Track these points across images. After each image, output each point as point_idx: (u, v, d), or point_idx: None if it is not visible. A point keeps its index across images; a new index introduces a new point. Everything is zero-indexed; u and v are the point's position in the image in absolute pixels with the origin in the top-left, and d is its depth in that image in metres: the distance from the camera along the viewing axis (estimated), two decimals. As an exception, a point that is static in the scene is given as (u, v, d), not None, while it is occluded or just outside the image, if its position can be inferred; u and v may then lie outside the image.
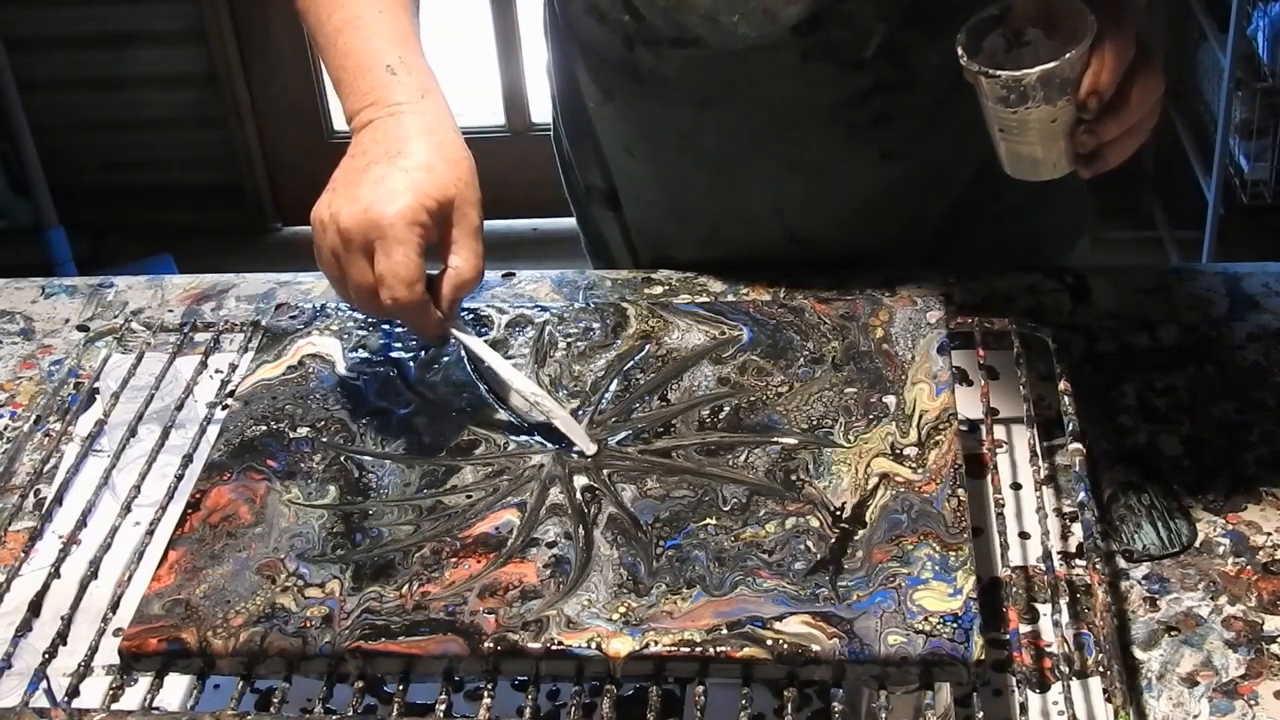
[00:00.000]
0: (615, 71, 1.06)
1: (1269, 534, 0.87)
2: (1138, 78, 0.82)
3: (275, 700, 0.71)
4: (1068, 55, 0.80)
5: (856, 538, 0.74)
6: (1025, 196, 0.98)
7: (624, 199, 1.17)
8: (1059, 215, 1.19)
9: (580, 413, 0.85)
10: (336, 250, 0.81)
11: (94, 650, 0.74)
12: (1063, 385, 0.87)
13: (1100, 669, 0.77)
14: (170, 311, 1.17)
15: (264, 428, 0.85)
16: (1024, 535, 0.88)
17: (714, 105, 1.03)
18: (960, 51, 0.82)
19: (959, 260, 1.13)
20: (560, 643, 0.69)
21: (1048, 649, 0.80)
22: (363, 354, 0.91)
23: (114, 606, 0.77)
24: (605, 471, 0.80)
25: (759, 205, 1.09)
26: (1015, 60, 0.84)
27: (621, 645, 0.69)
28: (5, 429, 1.05)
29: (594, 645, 0.69)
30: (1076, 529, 0.87)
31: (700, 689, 0.69)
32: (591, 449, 0.82)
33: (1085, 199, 1.23)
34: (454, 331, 0.84)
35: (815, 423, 0.83)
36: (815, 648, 0.68)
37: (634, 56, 1.02)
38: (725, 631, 0.69)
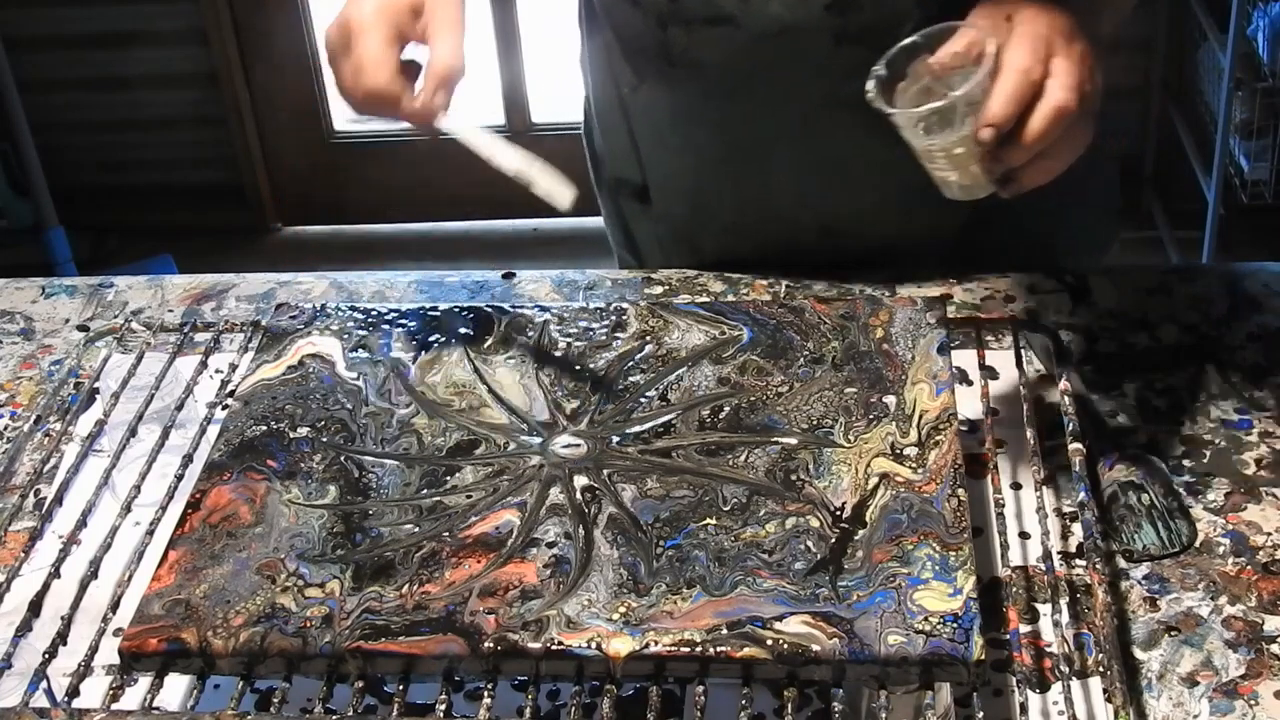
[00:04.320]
0: (648, 54, 1.07)
1: (1269, 534, 0.87)
2: (1044, 104, 0.80)
3: (275, 700, 0.71)
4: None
5: (856, 538, 0.74)
6: (1054, 199, 0.97)
7: (654, 191, 1.17)
8: (1087, 218, 1.18)
9: (580, 413, 0.85)
10: (331, 59, 0.89)
11: (94, 650, 0.74)
12: (1063, 385, 0.87)
13: (1100, 669, 0.77)
14: (170, 311, 1.17)
15: (264, 428, 0.85)
16: (1024, 535, 0.88)
17: (746, 89, 1.03)
18: (870, 85, 0.82)
19: (985, 260, 1.13)
20: (560, 643, 0.69)
21: (1048, 649, 0.80)
22: (363, 354, 0.91)
23: (114, 606, 0.77)
24: (605, 471, 0.80)
25: (788, 195, 1.09)
26: (946, 84, 0.83)
27: (621, 645, 0.69)
28: (5, 429, 1.05)
29: (594, 645, 0.69)
30: (1076, 529, 0.87)
31: (700, 689, 0.69)
32: (569, 195, 0.84)
33: (1114, 202, 1.22)
34: (441, 124, 0.87)
35: (815, 423, 0.83)
36: (815, 648, 0.68)
37: (666, 37, 1.03)
38: (725, 631, 0.69)
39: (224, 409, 0.89)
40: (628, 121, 1.14)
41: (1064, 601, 0.82)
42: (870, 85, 0.83)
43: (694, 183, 1.13)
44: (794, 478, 0.79)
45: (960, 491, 0.76)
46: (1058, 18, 0.84)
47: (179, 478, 0.85)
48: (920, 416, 0.82)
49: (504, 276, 1.18)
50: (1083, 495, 0.80)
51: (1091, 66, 0.82)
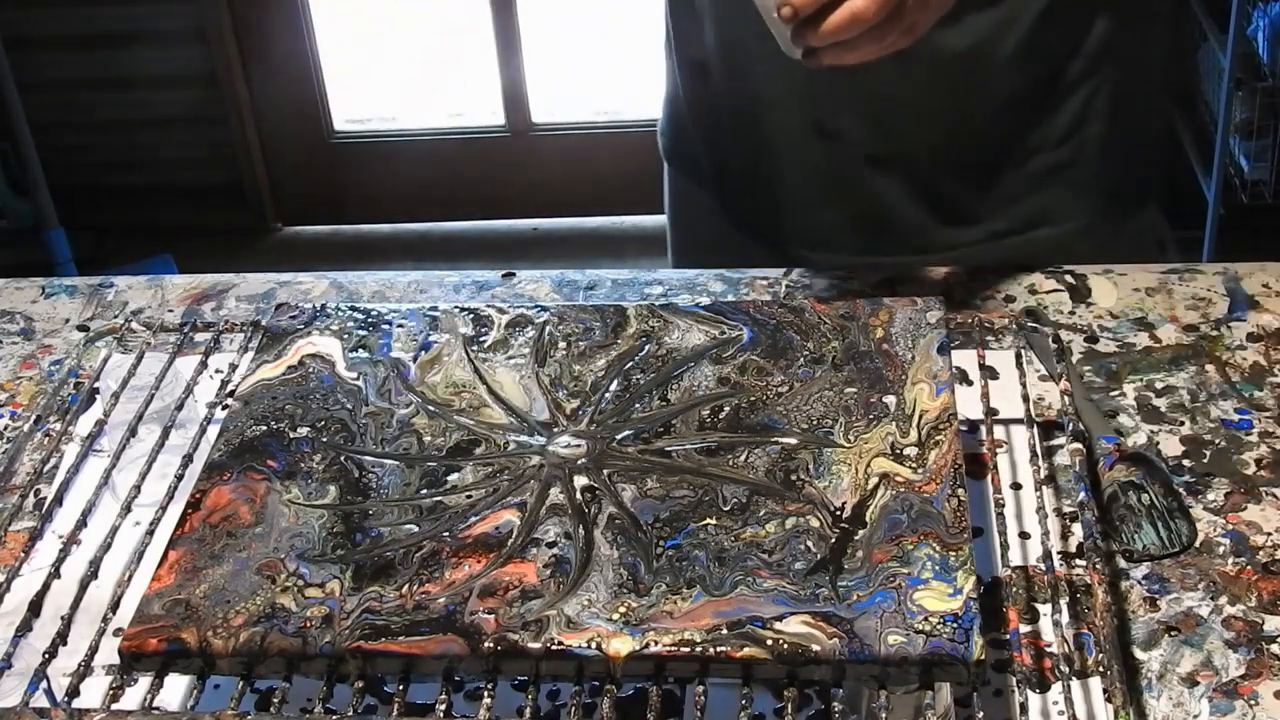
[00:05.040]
0: None
1: (1269, 534, 0.87)
2: (846, 4, 0.88)
3: (275, 700, 0.71)
4: None
5: (856, 538, 0.74)
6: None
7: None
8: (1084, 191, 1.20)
9: (580, 412, 0.85)
10: None
11: (94, 650, 0.74)
12: (1063, 385, 0.87)
13: (1100, 669, 0.77)
14: (170, 311, 1.17)
15: (264, 428, 0.85)
16: (1024, 535, 0.88)
17: None
18: None
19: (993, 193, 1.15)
20: (560, 643, 0.69)
21: (1048, 649, 0.80)
22: (363, 354, 0.91)
23: (114, 606, 0.77)
24: (605, 471, 0.80)
25: (780, 89, 1.11)
26: None
27: (621, 645, 0.69)
28: (5, 429, 1.05)
29: (594, 645, 0.69)
30: (1076, 529, 0.87)
31: (700, 689, 0.69)
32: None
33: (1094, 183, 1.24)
34: None
35: (815, 423, 0.83)
36: (815, 648, 0.68)
37: None
38: (725, 631, 0.69)
39: (224, 409, 0.89)
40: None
41: (1064, 601, 0.82)
42: None
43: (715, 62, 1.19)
44: (794, 478, 0.79)
45: (960, 491, 0.76)
46: None
47: (179, 478, 0.85)
48: (920, 416, 0.82)
49: (504, 276, 1.18)
50: (1083, 495, 0.80)
51: None
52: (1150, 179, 1.25)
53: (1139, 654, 0.80)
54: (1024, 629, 0.82)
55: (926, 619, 0.69)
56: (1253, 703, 0.77)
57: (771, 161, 1.19)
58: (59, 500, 0.90)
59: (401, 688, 0.70)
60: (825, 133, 1.15)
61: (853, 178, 1.17)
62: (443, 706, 0.69)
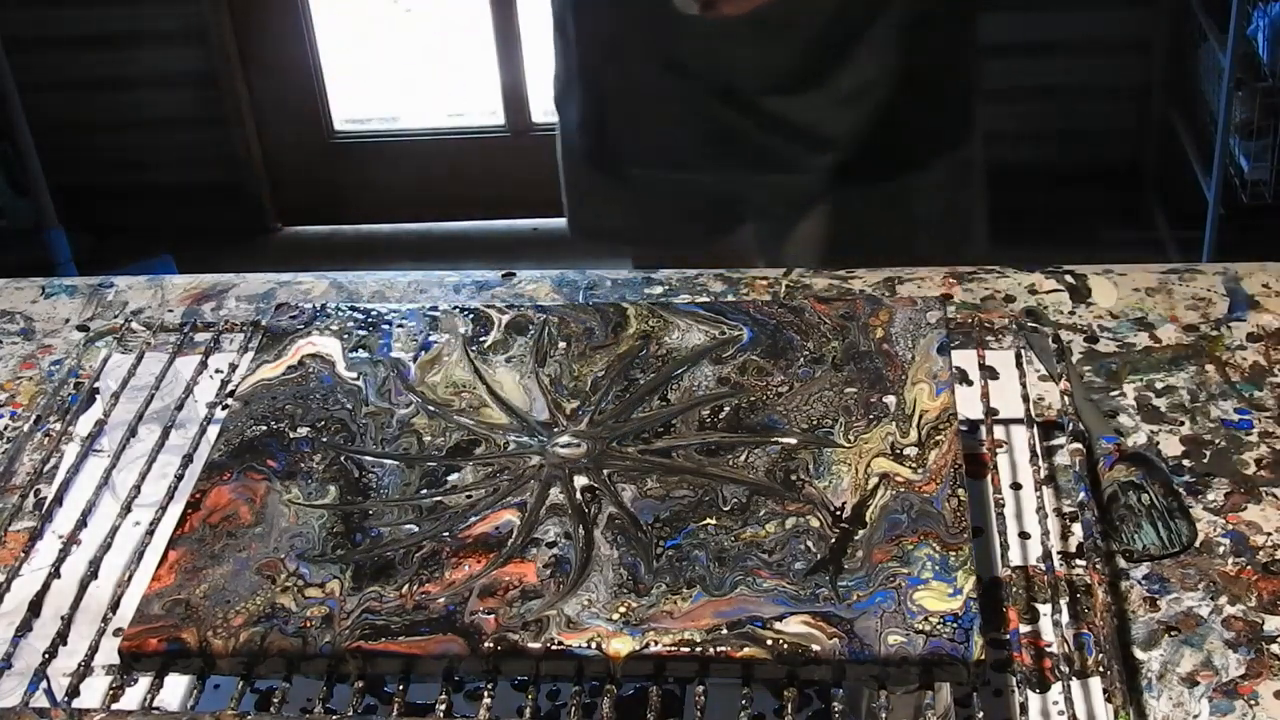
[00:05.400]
0: None
1: (1269, 534, 0.87)
2: None
3: (275, 700, 0.71)
4: None
5: (856, 538, 0.74)
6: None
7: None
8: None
9: (580, 413, 0.85)
10: None
11: (94, 650, 0.74)
12: (1063, 385, 0.87)
13: (1100, 669, 0.77)
14: (170, 311, 1.17)
15: (264, 428, 0.85)
16: (1024, 535, 0.88)
17: None
18: None
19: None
20: (560, 643, 0.69)
21: (1048, 649, 0.80)
22: (363, 354, 0.91)
23: (114, 606, 0.77)
24: (605, 471, 0.80)
25: (634, 27, 1.18)
26: None
27: (621, 645, 0.69)
28: (5, 429, 1.05)
29: (594, 645, 0.69)
30: (1076, 529, 0.87)
31: (700, 689, 0.69)
32: None
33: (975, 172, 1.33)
34: None
35: (815, 423, 0.83)
36: (815, 648, 0.68)
37: None
38: (725, 631, 0.69)
39: (224, 409, 0.89)
40: None
41: (1064, 601, 0.82)
42: None
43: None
44: (794, 478, 0.79)
45: (960, 491, 0.76)
46: None
47: (179, 478, 0.85)
48: (920, 416, 0.82)
49: (504, 276, 1.18)
50: (1083, 495, 0.80)
51: None
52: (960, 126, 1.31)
53: (1139, 654, 0.80)
54: (1024, 629, 0.82)
55: (926, 619, 0.69)
56: (1253, 703, 0.77)
57: (628, 94, 1.25)
58: (59, 500, 0.90)
59: (401, 688, 0.70)
60: (674, 67, 1.20)
61: (700, 104, 1.24)
62: (443, 706, 0.69)
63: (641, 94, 1.24)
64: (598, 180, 1.38)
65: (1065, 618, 0.81)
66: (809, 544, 0.74)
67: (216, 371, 0.96)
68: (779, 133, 1.25)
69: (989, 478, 0.81)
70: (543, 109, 3.09)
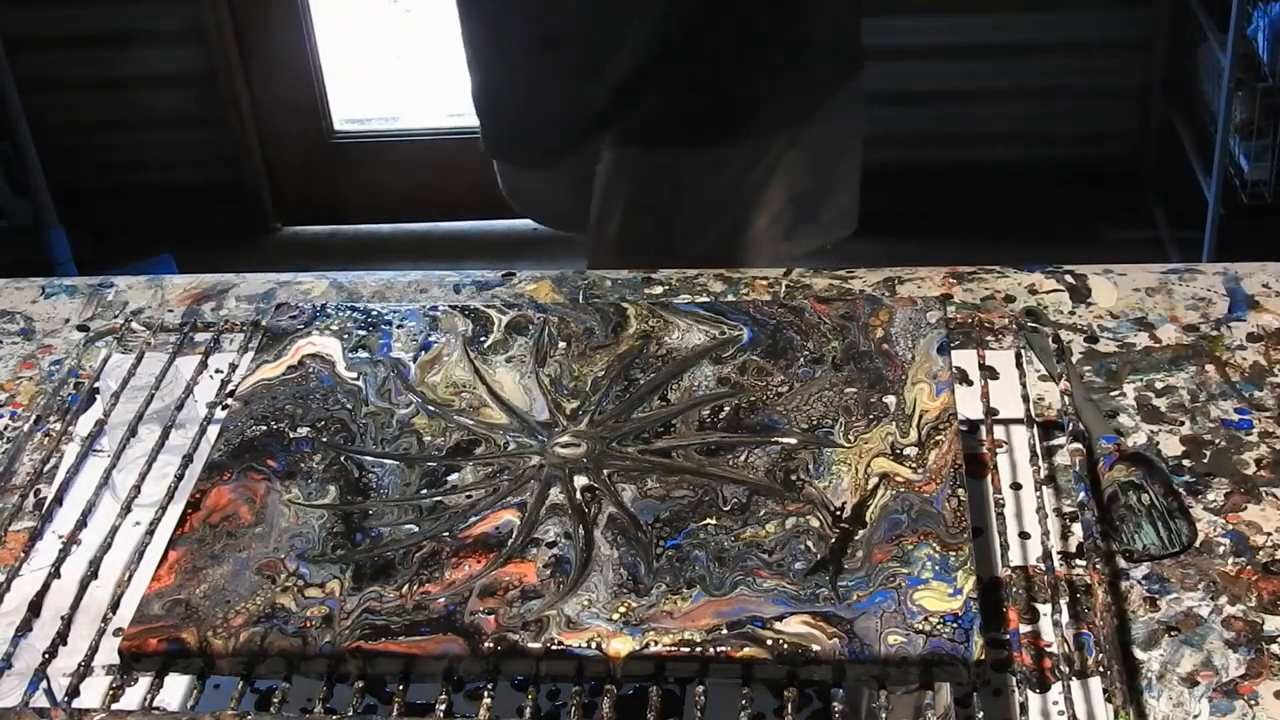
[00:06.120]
0: None
1: (1269, 534, 0.87)
2: None
3: (275, 700, 0.71)
4: None
5: (856, 538, 0.74)
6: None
7: None
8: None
9: (580, 413, 0.85)
10: None
11: (94, 650, 0.74)
12: (1063, 385, 0.87)
13: (1100, 669, 0.77)
14: (170, 311, 1.17)
15: (264, 428, 0.85)
16: (1024, 535, 0.88)
17: None
18: None
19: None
20: (560, 643, 0.69)
21: (1048, 649, 0.80)
22: (363, 354, 0.91)
23: (114, 606, 0.77)
24: (605, 471, 0.80)
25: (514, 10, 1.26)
26: None
27: (621, 645, 0.69)
28: (5, 429, 1.05)
29: (594, 645, 0.69)
30: (1076, 529, 0.87)
31: (700, 689, 0.69)
32: None
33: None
34: None
35: (815, 423, 0.83)
36: (815, 648, 0.68)
37: None
38: (725, 631, 0.69)
39: (224, 409, 0.89)
40: None
41: (1064, 601, 0.82)
42: None
43: None
44: (794, 478, 0.79)
45: (960, 491, 0.76)
46: None
47: (179, 478, 0.85)
48: (920, 416, 0.82)
49: (504, 276, 1.18)
50: (1083, 495, 0.80)
51: None
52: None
53: (1139, 654, 0.80)
54: (1024, 629, 0.82)
55: (926, 619, 0.69)
56: (1253, 703, 0.77)
57: (509, 68, 1.31)
58: (59, 500, 0.90)
59: (401, 688, 0.70)
60: (549, 42, 1.26)
61: (569, 81, 1.30)
62: (443, 706, 0.69)
63: (518, 76, 1.30)
64: (501, 166, 1.48)
65: (1065, 618, 0.81)
66: (809, 544, 0.74)
67: (216, 371, 0.96)
68: (623, 102, 1.31)
69: (989, 478, 0.81)
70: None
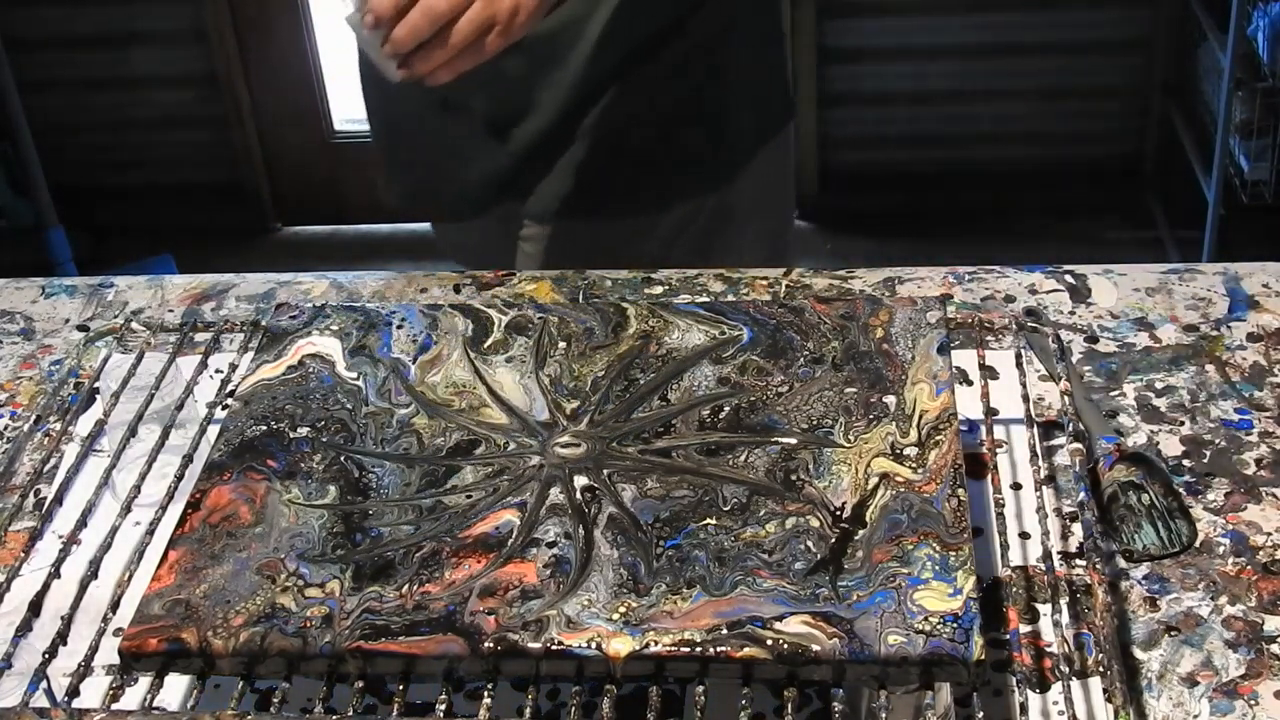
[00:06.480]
0: None
1: (1269, 534, 0.87)
2: (418, 5, 0.97)
3: (275, 700, 0.71)
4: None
5: (856, 538, 0.74)
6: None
7: None
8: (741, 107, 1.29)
9: (580, 413, 0.85)
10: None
11: (94, 650, 0.74)
12: (1063, 385, 0.87)
13: (1100, 669, 0.77)
14: (170, 311, 1.17)
15: (264, 428, 0.85)
16: (1024, 535, 0.88)
17: None
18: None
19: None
20: (560, 643, 0.69)
21: (1048, 649, 0.80)
22: (363, 354, 0.91)
23: (114, 606, 0.77)
24: (605, 471, 0.80)
25: None
26: None
27: (621, 645, 0.69)
28: (5, 429, 1.05)
29: (594, 645, 0.69)
30: (1076, 529, 0.87)
31: (700, 689, 0.69)
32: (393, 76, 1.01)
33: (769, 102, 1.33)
34: None
35: (815, 422, 0.83)
36: (815, 648, 0.68)
37: None
38: (725, 631, 0.69)
39: (224, 409, 0.89)
40: None
41: (1064, 601, 0.82)
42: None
43: None
44: (794, 478, 0.79)
45: (960, 491, 0.76)
46: None
47: (179, 478, 0.85)
48: (920, 416, 0.82)
49: (504, 276, 1.18)
50: (1083, 495, 0.80)
51: None
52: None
53: (1139, 654, 0.80)
54: (1024, 629, 0.82)
55: (926, 619, 0.69)
56: (1253, 703, 0.77)
57: (408, 132, 1.26)
58: (59, 500, 0.90)
59: (401, 688, 0.70)
60: (449, 105, 1.22)
61: (474, 144, 1.26)
62: (443, 706, 0.69)
63: (418, 130, 1.25)
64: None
65: (1065, 618, 0.81)
66: (809, 544, 0.74)
67: (216, 371, 0.96)
68: (535, 170, 1.26)
69: (989, 478, 0.81)
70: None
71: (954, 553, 0.72)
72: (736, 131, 1.30)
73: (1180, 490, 0.90)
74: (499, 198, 1.28)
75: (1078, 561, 0.85)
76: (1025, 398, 0.87)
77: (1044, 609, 0.83)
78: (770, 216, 1.38)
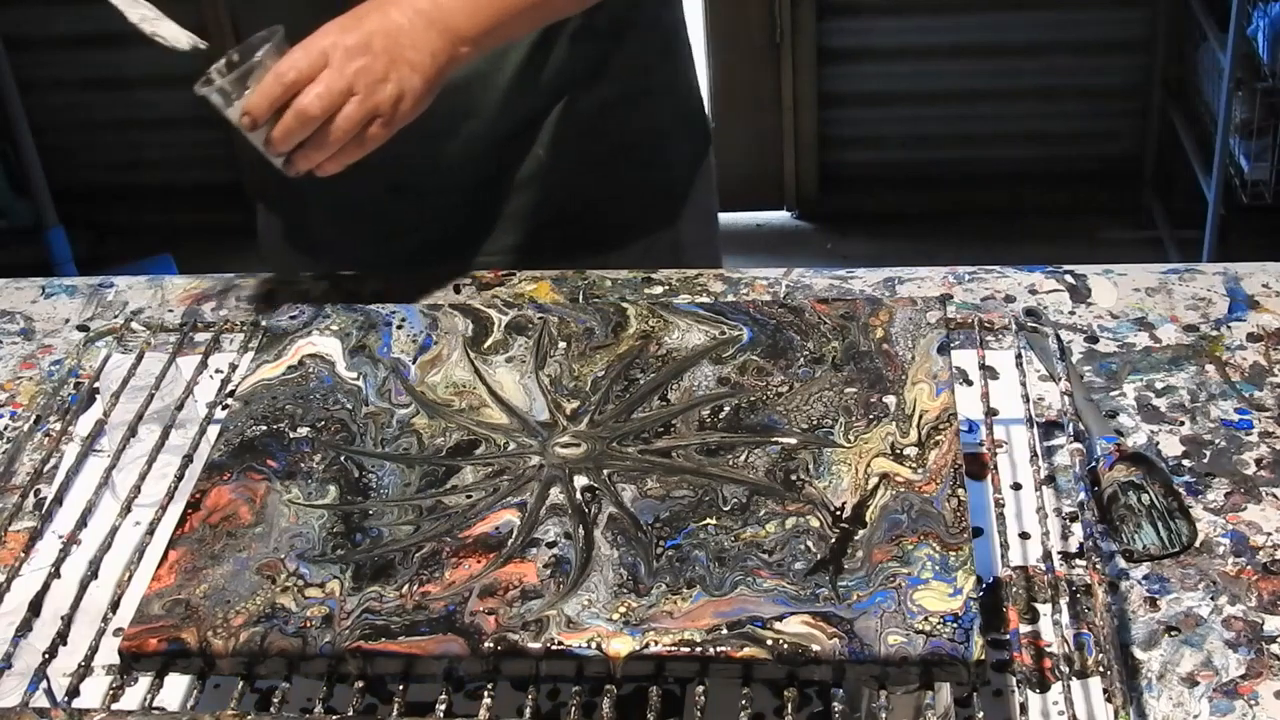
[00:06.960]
0: None
1: (1269, 534, 0.87)
2: (293, 104, 0.95)
3: (275, 700, 0.71)
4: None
5: (856, 538, 0.74)
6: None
7: None
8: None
9: (580, 413, 0.85)
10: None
11: (94, 650, 0.74)
12: (1063, 385, 0.87)
13: (1100, 669, 0.77)
14: (170, 311, 1.17)
15: (264, 428, 0.85)
16: (1024, 535, 0.88)
17: None
18: (210, 79, 0.97)
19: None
20: (560, 643, 0.69)
21: (1048, 649, 0.80)
22: (363, 354, 0.91)
23: (114, 606, 0.77)
24: (605, 471, 0.80)
25: None
26: None
27: (621, 645, 0.69)
28: (5, 429, 1.05)
29: (594, 645, 0.69)
30: (1076, 529, 0.87)
31: (700, 689, 0.69)
32: (187, 43, 1.00)
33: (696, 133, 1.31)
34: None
35: (815, 423, 0.83)
36: (815, 648, 0.68)
37: None
38: (725, 631, 0.69)
39: (224, 409, 0.89)
40: None
41: (1064, 601, 0.82)
42: (211, 78, 0.97)
43: None
44: (794, 478, 0.79)
45: (960, 491, 0.76)
46: (355, 34, 0.96)
47: (179, 478, 0.85)
48: (920, 416, 0.82)
49: (504, 276, 1.18)
50: (1083, 495, 0.80)
51: (374, 82, 0.96)
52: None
53: (1139, 654, 0.80)
54: (1024, 629, 0.82)
55: (926, 619, 0.69)
56: (1253, 703, 0.77)
57: (308, 190, 1.15)
58: (59, 500, 0.90)
59: (402, 688, 0.70)
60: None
61: (375, 202, 1.21)
62: (443, 706, 0.69)
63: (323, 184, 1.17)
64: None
65: (1065, 618, 0.81)
66: (809, 544, 0.74)
67: (216, 371, 0.96)
68: (454, 222, 1.23)
69: (989, 478, 0.81)
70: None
71: (954, 553, 0.72)
72: (664, 174, 1.28)
73: (1180, 490, 0.90)
74: (442, 258, 1.23)
75: (1078, 561, 0.85)
76: (1025, 398, 0.87)
77: (1044, 609, 0.83)
78: (704, 250, 1.35)
